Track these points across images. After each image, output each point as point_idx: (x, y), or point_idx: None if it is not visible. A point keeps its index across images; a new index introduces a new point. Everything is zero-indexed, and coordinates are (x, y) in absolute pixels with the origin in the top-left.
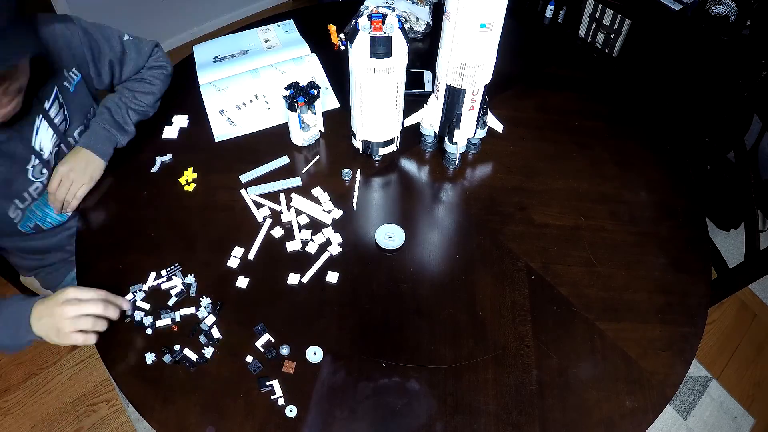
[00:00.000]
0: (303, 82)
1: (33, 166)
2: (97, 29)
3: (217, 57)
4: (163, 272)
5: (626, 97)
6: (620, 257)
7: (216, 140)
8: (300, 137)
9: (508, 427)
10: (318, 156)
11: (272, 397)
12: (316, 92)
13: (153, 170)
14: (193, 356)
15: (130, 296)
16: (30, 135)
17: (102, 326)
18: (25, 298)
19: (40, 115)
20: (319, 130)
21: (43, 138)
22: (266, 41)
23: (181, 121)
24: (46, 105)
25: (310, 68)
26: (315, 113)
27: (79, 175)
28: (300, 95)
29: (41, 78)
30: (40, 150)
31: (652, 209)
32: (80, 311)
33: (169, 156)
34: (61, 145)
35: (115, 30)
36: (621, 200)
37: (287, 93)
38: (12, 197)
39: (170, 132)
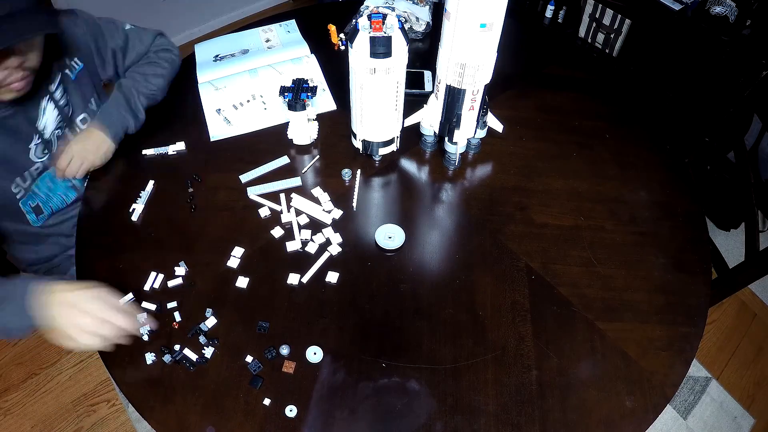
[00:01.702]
0: (293, 82)
1: (35, 144)
2: (100, 20)
3: (217, 56)
4: (161, 274)
5: (626, 97)
6: (620, 257)
7: (211, 139)
8: (300, 137)
9: (508, 427)
10: (318, 156)
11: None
12: (309, 93)
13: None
14: (193, 356)
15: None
16: (36, 115)
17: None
18: (34, 281)
19: (47, 96)
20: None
21: (49, 118)
22: (267, 41)
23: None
24: (52, 87)
25: (308, 69)
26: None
27: (90, 155)
28: (303, 92)
29: (48, 60)
30: (43, 130)
31: (652, 209)
32: (100, 324)
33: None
34: (66, 129)
35: (118, 20)
36: (621, 200)
37: (287, 94)
38: (14, 174)
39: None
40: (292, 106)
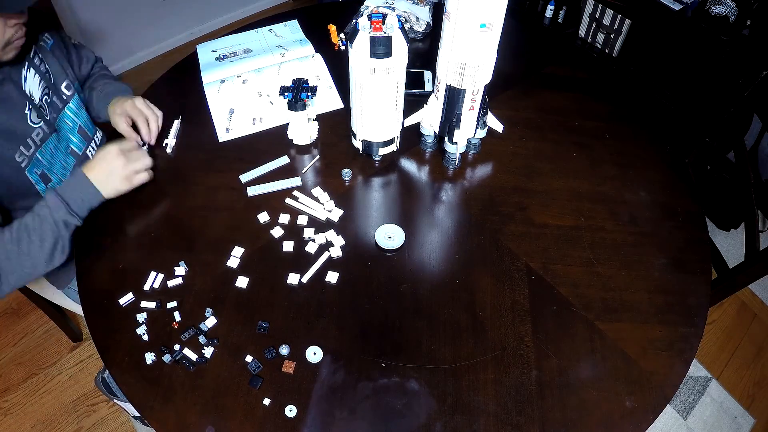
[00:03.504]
0: (293, 82)
1: (29, 110)
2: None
3: (220, 56)
4: (161, 274)
5: (626, 97)
6: (620, 257)
7: (220, 140)
8: (300, 137)
9: (507, 427)
10: (318, 156)
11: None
12: (309, 93)
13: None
14: (193, 356)
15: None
16: (20, 80)
17: (150, 160)
18: (72, 174)
19: (26, 63)
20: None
21: (32, 85)
22: (270, 40)
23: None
24: (30, 55)
25: (314, 67)
26: (312, 111)
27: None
28: (303, 92)
29: (30, 29)
30: (31, 96)
31: (652, 209)
32: (133, 161)
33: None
34: (54, 96)
35: None
36: (621, 200)
37: (287, 94)
38: (17, 143)
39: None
40: (292, 106)
